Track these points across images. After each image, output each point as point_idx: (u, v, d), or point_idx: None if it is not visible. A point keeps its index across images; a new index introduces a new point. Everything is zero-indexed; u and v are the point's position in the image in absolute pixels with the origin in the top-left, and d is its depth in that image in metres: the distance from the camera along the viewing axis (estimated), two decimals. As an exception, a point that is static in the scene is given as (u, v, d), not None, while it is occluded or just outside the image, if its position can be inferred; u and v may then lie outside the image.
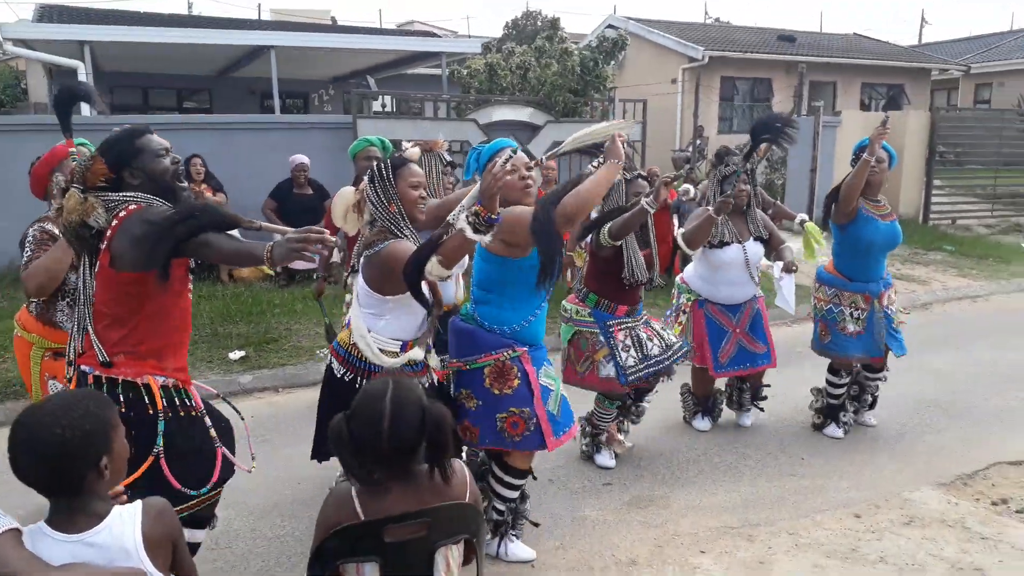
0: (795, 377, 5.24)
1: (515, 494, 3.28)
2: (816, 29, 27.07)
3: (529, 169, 3.08)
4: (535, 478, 3.39)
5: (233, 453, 2.66)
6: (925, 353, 6.27)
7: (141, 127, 2.61)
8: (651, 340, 4.00)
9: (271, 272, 2.74)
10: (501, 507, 3.28)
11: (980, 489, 4.00)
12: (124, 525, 1.68)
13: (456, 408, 3.07)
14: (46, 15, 13.17)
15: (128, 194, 2.46)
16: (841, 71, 19.60)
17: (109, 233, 2.39)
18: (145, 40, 11.16)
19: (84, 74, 10.24)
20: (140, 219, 2.37)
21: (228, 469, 2.63)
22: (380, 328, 2.89)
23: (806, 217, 4.88)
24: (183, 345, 2.66)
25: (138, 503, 1.74)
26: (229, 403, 2.98)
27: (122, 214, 2.40)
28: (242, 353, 5.94)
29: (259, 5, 29.84)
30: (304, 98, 18.15)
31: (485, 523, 2.06)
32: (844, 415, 4.71)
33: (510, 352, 3.08)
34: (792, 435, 4.71)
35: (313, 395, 3.34)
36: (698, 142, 13.55)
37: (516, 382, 3.07)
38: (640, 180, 4.01)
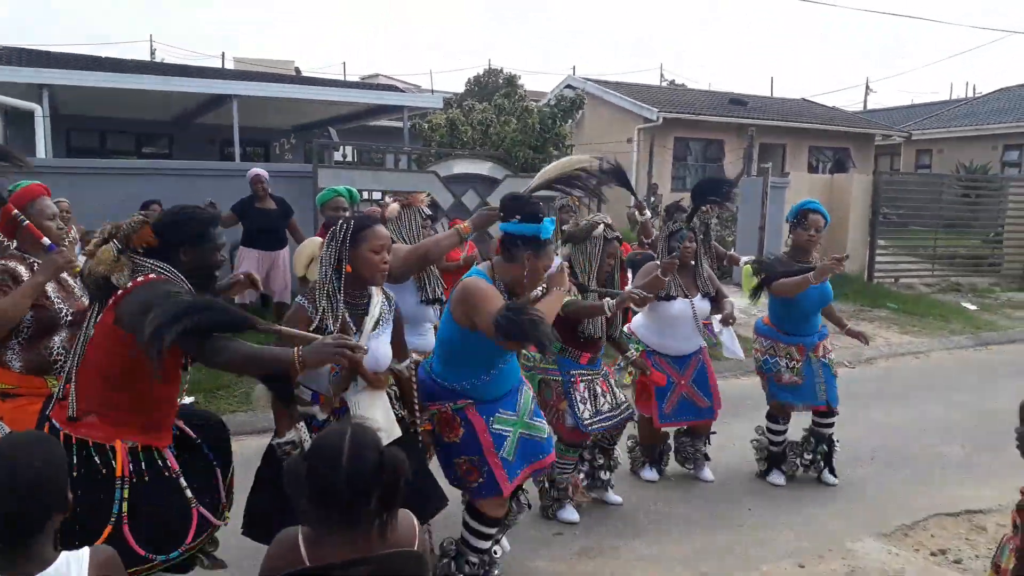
0: (743, 429, 5.34)
1: (486, 544, 3.30)
2: (767, 94, 28.09)
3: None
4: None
5: (218, 502, 2.67)
6: (869, 406, 6.45)
7: (217, 215, 2.73)
8: (604, 395, 4.10)
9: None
10: (474, 559, 3.29)
11: (920, 539, 4.11)
12: (71, 570, 1.65)
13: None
14: (3, 57, 13.09)
15: (159, 264, 2.50)
16: (790, 134, 20.36)
17: (120, 293, 2.41)
18: (104, 85, 11.13)
19: (41, 116, 10.17)
20: (154, 292, 2.34)
21: (206, 525, 2.62)
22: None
23: (748, 259, 5.01)
24: (166, 419, 2.63)
25: (86, 550, 1.72)
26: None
27: (140, 279, 2.44)
28: (191, 399, 5.85)
29: (223, 54, 29.99)
30: (265, 146, 18.18)
31: (430, 572, 2.06)
32: (785, 464, 4.85)
33: (451, 404, 3.16)
34: (740, 485, 4.79)
35: (263, 442, 3.31)
36: (652, 199, 13.90)
37: (460, 431, 3.15)
38: (616, 243, 4.12)
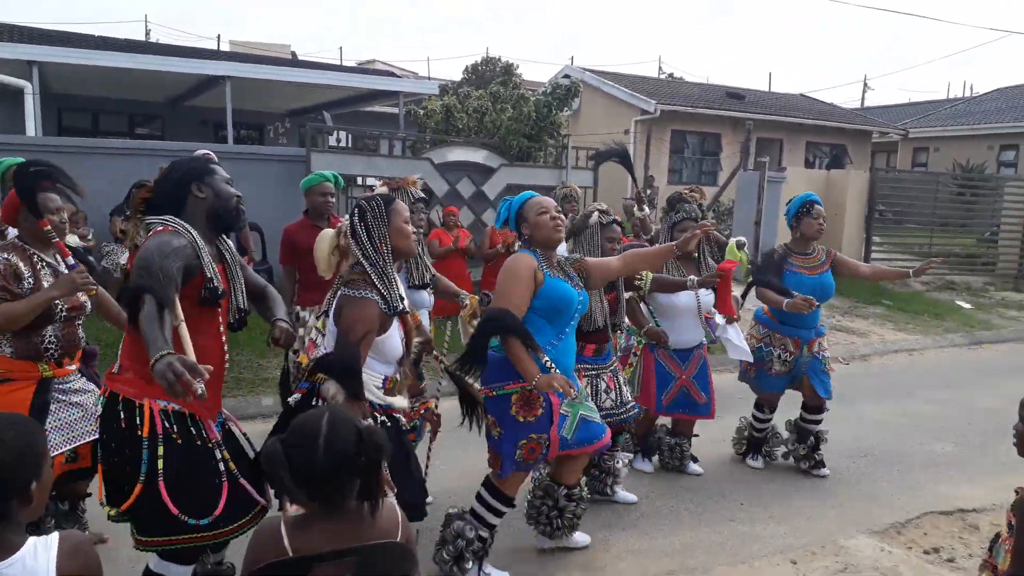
0: (734, 424, 5.29)
1: (499, 520, 3.40)
2: (765, 88, 28.03)
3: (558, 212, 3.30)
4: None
5: (261, 490, 2.63)
6: (863, 403, 6.42)
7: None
8: (608, 392, 4.01)
9: None
10: (484, 533, 3.35)
11: (913, 537, 4.07)
12: (38, 558, 1.59)
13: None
14: (-5, 33, 12.92)
15: (165, 217, 2.56)
16: (787, 129, 20.30)
17: (136, 249, 2.53)
18: (96, 63, 10.99)
19: (31, 94, 10.03)
20: (146, 249, 2.43)
21: (241, 505, 2.59)
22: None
23: (742, 240, 4.75)
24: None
25: (55, 535, 1.65)
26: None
27: (151, 233, 2.51)
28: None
29: (218, 36, 29.72)
30: (259, 130, 18.03)
31: (418, 564, 2.00)
32: (766, 447, 4.96)
33: None
34: (732, 481, 4.74)
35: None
36: (648, 191, 13.83)
37: (540, 411, 3.20)
38: (615, 226, 4.09)
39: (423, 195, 4.04)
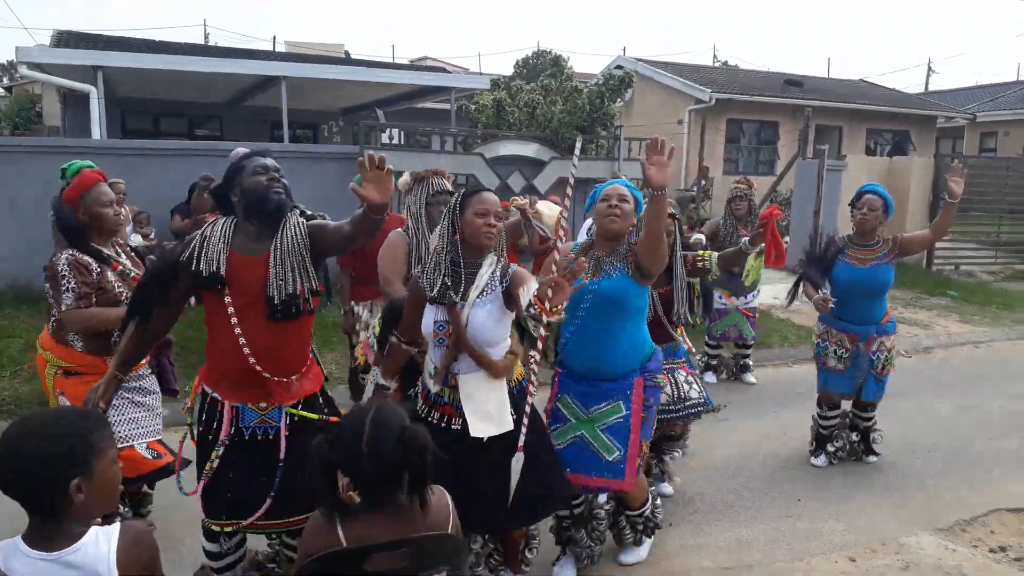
0: (792, 418, 5.20)
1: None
2: (823, 74, 27.32)
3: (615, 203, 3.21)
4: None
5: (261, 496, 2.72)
6: (927, 397, 6.23)
7: (254, 152, 2.84)
8: (664, 388, 3.79)
9: None
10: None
11: (978, 536, 3.94)
12: (99, 548, 1.64)
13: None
14: (63, 40, 13.40)
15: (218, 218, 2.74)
16: (847, 116, 19.76)
17: None
18: (156, 67, 11.31)
19: (96, 98, 10.38)
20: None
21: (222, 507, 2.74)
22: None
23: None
24: (226, 368, 2.71)
25: (116, 525, 1.71)
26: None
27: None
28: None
29: (274, 37, 30.30)
30: (314, 128, 18.34)
31: (467, 554, 2.03)
32: (832, 446, 4.78)
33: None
34: (789, 476, 4.65)
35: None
36: (703, 182, 13.62)
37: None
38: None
39: (448, 188, 3.84)
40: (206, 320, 2.71)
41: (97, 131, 10.40)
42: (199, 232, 2.70)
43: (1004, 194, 13.32)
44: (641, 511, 3.45)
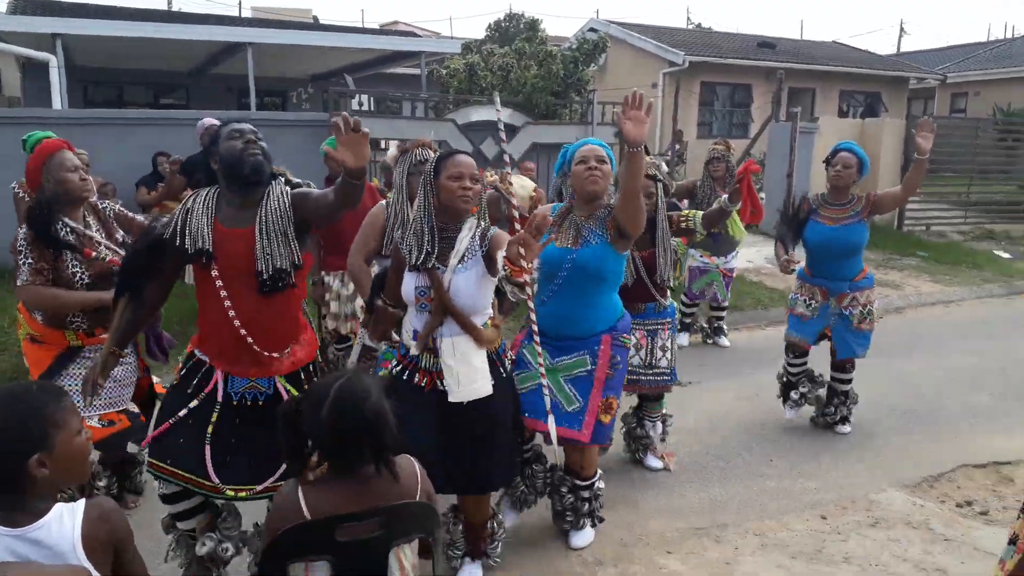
0: (766, 379, 5.25)
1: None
2: (796, 36, 27.26)
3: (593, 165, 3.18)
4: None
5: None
6: (897, 357, 6.31)
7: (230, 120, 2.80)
8: (639, 349, 3.88)
9: None
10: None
11: (945, 491, 4.02)
12: (63, 524, 1.62)
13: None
14: (20, 7, 12.98)
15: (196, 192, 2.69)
16: (820, 78, 19.77)
17: None
18: (119, 34, 11.00)
19: (56, 67, 10.08)
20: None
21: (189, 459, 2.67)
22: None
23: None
24: (217, 339, 2.68)
25: (81, 502, 1.68)
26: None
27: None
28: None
29: (240, 2, 29.55)
30: (282, 96, 18.01)
31: (441, 522, 2.03)
32: (795, 393, 4.85)
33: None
34: (761, 437, 4.71)
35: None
36: (676, 146, 13.59)
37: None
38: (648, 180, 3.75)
39: (430, 158, 3.80)
40: (196, 292, 2.69)
41: (58, 101, 10.12)
42: (180, 205, 2.65)
43: (974, 154, 13.45)
44: (590, 481, 3.40)
